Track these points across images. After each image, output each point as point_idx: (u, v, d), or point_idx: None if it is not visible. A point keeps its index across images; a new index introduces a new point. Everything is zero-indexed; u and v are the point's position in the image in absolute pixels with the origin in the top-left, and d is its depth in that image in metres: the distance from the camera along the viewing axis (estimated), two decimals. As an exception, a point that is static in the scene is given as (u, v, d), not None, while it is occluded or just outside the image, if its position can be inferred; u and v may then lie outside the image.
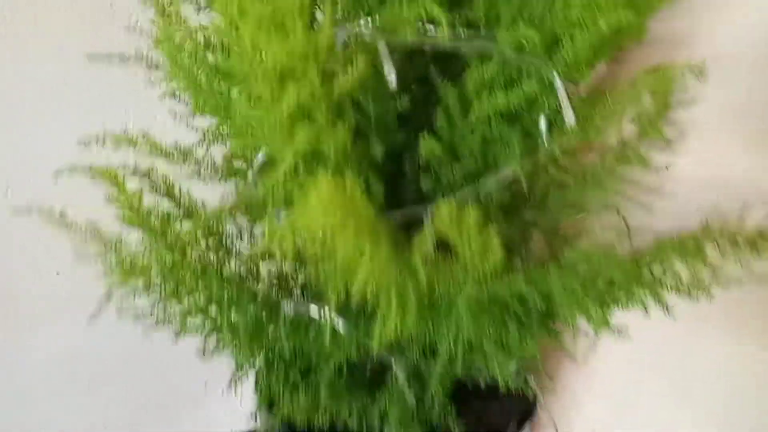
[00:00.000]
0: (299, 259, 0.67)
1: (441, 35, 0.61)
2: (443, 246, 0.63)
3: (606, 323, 0.77)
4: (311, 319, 0.77)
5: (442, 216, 0.55)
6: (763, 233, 0.76)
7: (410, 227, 0.76)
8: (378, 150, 0.67)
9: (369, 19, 0.65)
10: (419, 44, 0.64)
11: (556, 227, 0.90)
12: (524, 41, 0.66)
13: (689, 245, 0.75)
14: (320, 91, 0.56)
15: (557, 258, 0.84)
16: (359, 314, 0.73)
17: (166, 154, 0.77)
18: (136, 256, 0.74)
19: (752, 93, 0.97)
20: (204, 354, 0.78)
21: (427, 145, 0.71)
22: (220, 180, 0.81)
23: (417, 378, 0.79)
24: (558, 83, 0.68)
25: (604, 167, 0.86)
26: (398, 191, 0.76)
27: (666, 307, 0.76)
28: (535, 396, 0.87)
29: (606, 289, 0.76)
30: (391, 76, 0.62)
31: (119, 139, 0.77)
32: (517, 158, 0.74)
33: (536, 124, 0.75)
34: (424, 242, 0.56)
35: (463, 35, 0.68)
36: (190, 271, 0.78)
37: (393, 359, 0.77)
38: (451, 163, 0.74)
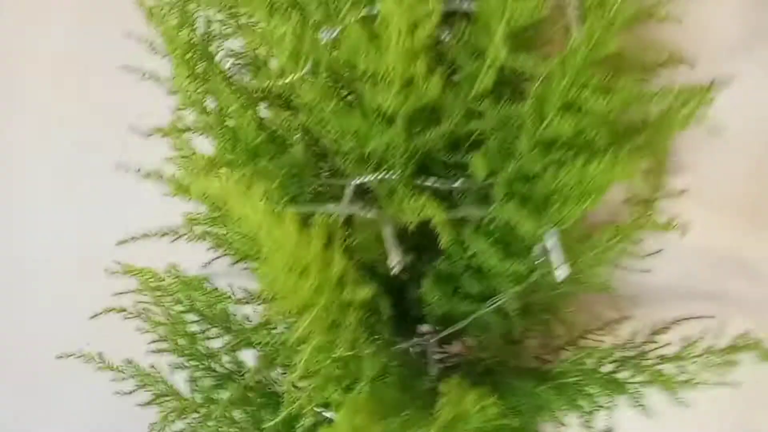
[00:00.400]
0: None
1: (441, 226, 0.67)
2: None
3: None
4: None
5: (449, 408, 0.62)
6: (736, 346, 0.84)
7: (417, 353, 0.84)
8: (386, 308, 0.74)
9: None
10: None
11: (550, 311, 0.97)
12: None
13: (667, 365, 0.83)
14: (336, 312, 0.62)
15: (550, 358, 0.92)
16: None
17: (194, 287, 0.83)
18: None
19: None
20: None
21: (429, 292, 0.78)
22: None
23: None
24: (551, 243, 0.73)
25: (596, 254, 0.92)
26: (403, 320, 0.83)
27: (645, 410, 0.86)
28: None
29: (591, 398, 0.85)
30: (394, 262, 0.68)
31: (147, 274, 0.84)
32: (512, 286, 0.81)
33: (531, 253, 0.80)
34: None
35: (462, 199, 0.73)
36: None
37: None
38: (452, 295, 0.81)
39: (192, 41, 0.74)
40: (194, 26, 0.73)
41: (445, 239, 0.65)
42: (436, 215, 0.65)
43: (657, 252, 0.99)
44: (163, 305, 0.85)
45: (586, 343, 0.96)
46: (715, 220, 1.05)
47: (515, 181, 0.71)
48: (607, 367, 0.87)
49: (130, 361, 0.82)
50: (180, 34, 0.73)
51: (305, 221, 0.60)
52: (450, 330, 0.81)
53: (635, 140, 0.70)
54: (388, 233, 0.69)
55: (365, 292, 0.62)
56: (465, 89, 0.70)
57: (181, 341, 0.85)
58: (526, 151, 0.70)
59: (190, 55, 0.73)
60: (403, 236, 0.75)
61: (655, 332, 0.94)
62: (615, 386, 0.84)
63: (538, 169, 0.70)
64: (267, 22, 0.66)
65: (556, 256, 0.75)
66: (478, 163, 0.71)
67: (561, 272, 0.75)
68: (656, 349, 0.88)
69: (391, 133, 0.68)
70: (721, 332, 0.94)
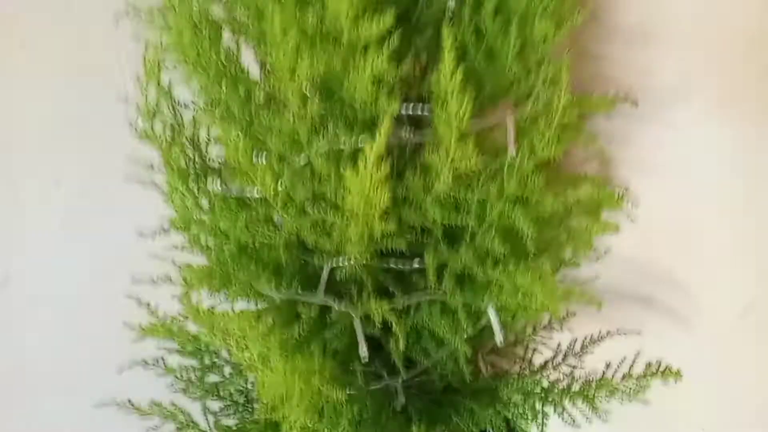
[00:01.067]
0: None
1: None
2: None
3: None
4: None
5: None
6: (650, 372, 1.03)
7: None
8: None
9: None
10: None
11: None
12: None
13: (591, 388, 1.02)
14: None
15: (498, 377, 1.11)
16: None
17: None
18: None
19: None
20: None
21: (395, 349, 0.95)
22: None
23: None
24: (492, 315, 0.89)
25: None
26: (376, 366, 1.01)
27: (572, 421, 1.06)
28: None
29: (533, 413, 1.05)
30: (363, 351, 0.85)
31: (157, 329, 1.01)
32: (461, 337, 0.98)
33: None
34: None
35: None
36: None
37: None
38: (413, 345, 0.99)
39: (186, 157, 0.87)
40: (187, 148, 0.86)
41: (401, 343, 0.82)
42: (394, 322, 0.81)
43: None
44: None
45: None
46: (648, 238, 1.20)
47: (460, 272, 0.87)
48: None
49: (155, 402, 1.01)
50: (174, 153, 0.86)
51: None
52: (413, 373, 1.00)
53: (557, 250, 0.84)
54: (357, 326, 0.85)
55: (343, 393, 0.80)
56: (417, 205, 0.83)
57: (192, 375, 1.04)
58: (468, 254, 0.85)
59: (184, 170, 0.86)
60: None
61: (584, 347, 1.13)
62: (550, 402, 1.04)
63: (478, 268, 0.86)
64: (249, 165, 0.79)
65: (496, 326, 0.91)
66: (428, 259, 0.87)
67: (499, 338, 0.92)
68: (582, 369, 1.07)
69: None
70: (644, 344, 1.14)
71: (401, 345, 0.83)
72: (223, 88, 0.83)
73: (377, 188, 0.67)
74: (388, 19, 0.65)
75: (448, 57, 0.64)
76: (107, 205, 1.20)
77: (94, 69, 1.13)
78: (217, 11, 0.84)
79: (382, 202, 0.69)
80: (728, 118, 1.12)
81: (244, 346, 0.73)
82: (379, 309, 0.82)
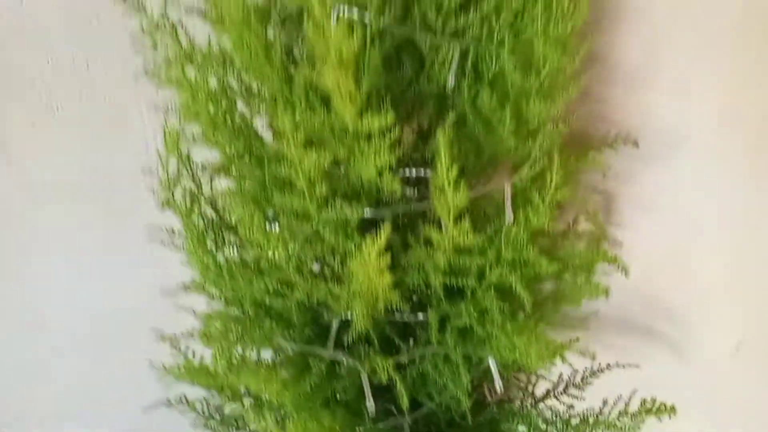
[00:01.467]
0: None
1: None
2: None
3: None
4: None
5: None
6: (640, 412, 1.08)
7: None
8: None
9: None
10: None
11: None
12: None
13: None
14: None
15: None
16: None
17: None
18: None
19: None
20: None
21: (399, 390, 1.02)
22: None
23: None
24: (492, 365, 0.95)
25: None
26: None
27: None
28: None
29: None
30: (370, 405, 0.91)
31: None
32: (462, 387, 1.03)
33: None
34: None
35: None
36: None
37: None
38: (419, 388, 1.05)
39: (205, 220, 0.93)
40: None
41: (405, 400, 0.88)
42: (398, 380, 0.87)
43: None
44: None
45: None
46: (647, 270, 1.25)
47: (461, 327, 0.93)
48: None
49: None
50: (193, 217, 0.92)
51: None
52: (419, 414, 1.06)
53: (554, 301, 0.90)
54: (365, 381, 0.91)
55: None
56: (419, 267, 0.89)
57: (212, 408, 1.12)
58: (468, 310, 0.91)
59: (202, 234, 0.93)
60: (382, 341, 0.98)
61: (585, 379, 1.18)
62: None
63: (478, 325, 0.91)
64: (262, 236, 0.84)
65: (495, 374, 0.97)
66: (431, 317, 0.92)
67: (498, 385, 0.98)
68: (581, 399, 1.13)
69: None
70: (644, 376, 1.19)
71: (405, 402, 0.89)
72: (236, 157, 0.89)
73: (379, 275, 0.72)
74: (390, 117, 0.70)
75: (444, 156, 0.69)
76: (129, 249, 1.28)
77: (117, 127, 1.20)
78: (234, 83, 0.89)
79: (384, 283, 0.75)
80: (727, 158, 1.16)
81: (260, 410, 0.79)
82: (384, 365, 0.88)
